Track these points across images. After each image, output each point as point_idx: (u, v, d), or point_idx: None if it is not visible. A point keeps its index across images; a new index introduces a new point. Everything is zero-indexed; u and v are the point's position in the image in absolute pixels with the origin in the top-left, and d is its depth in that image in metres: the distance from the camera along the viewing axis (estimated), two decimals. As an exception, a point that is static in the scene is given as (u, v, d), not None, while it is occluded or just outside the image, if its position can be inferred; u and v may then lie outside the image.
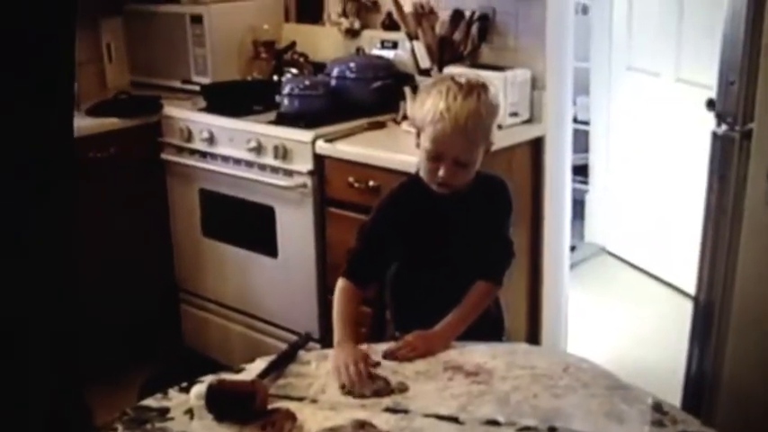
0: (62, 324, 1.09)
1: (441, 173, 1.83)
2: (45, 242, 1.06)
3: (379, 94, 3.06)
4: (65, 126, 1.10)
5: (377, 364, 1.71)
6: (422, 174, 1.90)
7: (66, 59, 1.08)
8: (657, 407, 1.55)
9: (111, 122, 3.20)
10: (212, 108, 3.20)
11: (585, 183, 4.55)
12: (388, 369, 1.69)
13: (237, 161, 3.04)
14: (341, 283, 1.93)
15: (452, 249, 1.93)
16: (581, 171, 4.45)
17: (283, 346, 2.97)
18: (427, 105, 1.83)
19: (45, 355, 1.08)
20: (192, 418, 1.54)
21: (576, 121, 4.07)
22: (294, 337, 3.02)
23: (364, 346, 1.78)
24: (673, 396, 2.27)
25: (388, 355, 1.74)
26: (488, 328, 1.97)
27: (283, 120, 2.99)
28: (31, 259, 1.05)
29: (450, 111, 1.79)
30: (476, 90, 1.82)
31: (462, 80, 1.85)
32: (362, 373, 1.65)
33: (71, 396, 1.14)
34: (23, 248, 1.04)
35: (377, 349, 1.77)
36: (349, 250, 1.98)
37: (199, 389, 1.62)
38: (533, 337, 3.04)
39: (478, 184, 1.93)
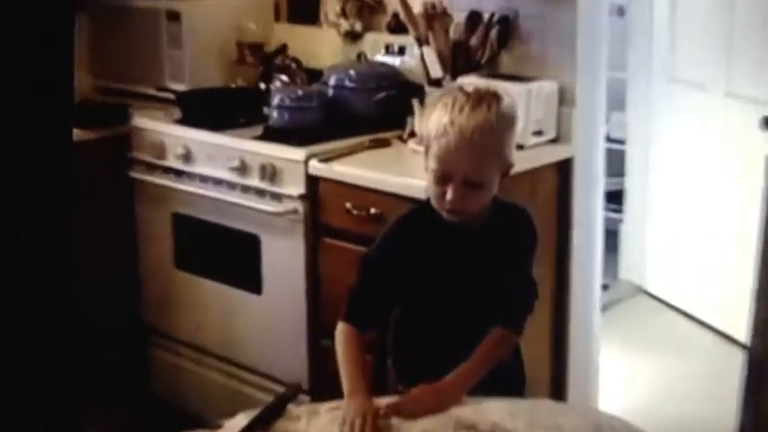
0: (62, 324, 1.18)
1: (448, 196, 1.85)
2: (45, 242, 1.16)
3: (382, 108, 3.09)
4: (64, 126, 1.18)
5: (386, 416, 1.71)
6: (431, 200, 1.92)
7: (65, 59, 1.14)
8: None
9: (71, 135, 3.22)
10: (189, 120, 3.23)
11: (620, 211, 4.56)
12: (389, 427, 1.69)
13: (218, 182, 3.06)
14: (341, 327, 1.94)
15: (466, 290, 1.94)
16: (615, 198, 4.47)
17: (269, 399, 2.98)
18: (432, 120, 1.87)
19: (45, 355, 1.16)
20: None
21: (609, 140, 4.08)
22: (281, 389, 3.04)
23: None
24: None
25: (390, 411, 1.75)
26: (506, 380, 1.97)
27: (271, 135, 3.01)
28: (31, 259, 1.14)
29: (454, 124, 1.82)
30: (485, 100, 1.85)
31: (471, 90, 1.88)
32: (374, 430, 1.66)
33: (71, 396, 1.22)
34: (24, 248, 1.12)
35: (377, 403, 1.78)
36: (349, 288, 1.99)
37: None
38: (558, 391, 3.04)
39: (497, 214, 1.95)
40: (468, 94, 1.86)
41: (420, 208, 2.00)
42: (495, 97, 1.86)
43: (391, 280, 1.95)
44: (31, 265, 1.14)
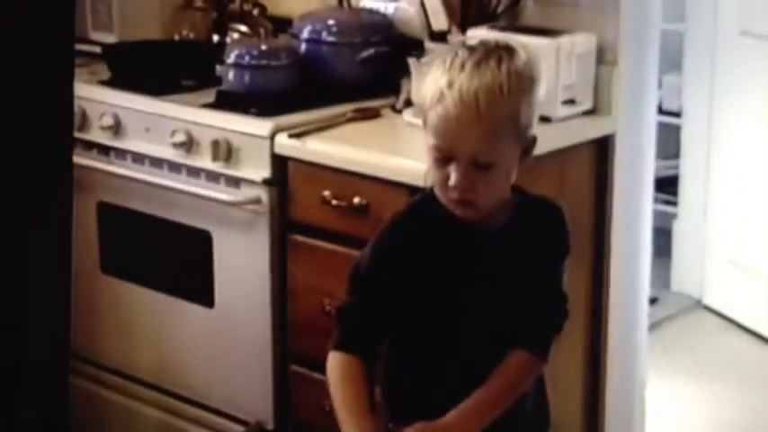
0: (61, 324, 1.31)
1: (452, 181, 1.84)
2: (45, 243, 1.27)
3: (370, 69, 3.10)
4: (65, 126, 1.29)
5: None
6: (435, 188, 1.92)
7: (65, 61, 1.25)
8: None
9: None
10: (119, 81, 3.25)
11: (674, 203, 4.58)
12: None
13: (157, 162, 3.08)
14: (335, 357, 1.94)
15: (479, 305, 1.96)
16: (668, 186, 4.49)
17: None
18: (427, 83, 1.87)
19: (44, 357, 1.28)
20: None
21: (661, 111, 4.10)
22: (239, 429, 3.07)
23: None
24: None
25: None
26: (525, 419, 2.01)
27: (227, 102, 3.03)
28: (31, 261, 1.25)
29: (453, 86, 1.81)
30: (494, 56, 1.84)
31: (476, 43, 1.89)
32: None
33: (67, 399, 1.36)
34: (24, 250, 1.23)
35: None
36: (339, 309, 2.00)
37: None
38: (592, 428, 3.07)
39: (522, 211, 1.97)
40: (471, 49, 1.86)
41: (422, 200, 1.99)
42: (506, 51, 1.86)
43: (392, 295, 1.94)
44: (31, 266, 1.25)
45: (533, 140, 1.93)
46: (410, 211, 2.02)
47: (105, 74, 3.31)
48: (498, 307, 1.96)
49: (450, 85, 1.81)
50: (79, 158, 3.21)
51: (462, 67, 1.82)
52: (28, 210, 1.27)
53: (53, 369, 1.30)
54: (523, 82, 1.85)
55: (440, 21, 2.94)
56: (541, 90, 1.94)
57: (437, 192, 1.90)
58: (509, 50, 1.87)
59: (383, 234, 2.00)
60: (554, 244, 2.00)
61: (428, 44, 2.95)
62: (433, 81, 1.84)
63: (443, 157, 1.85)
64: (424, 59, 2.84)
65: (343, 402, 1.89)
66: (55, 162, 1.32)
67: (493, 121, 1.82)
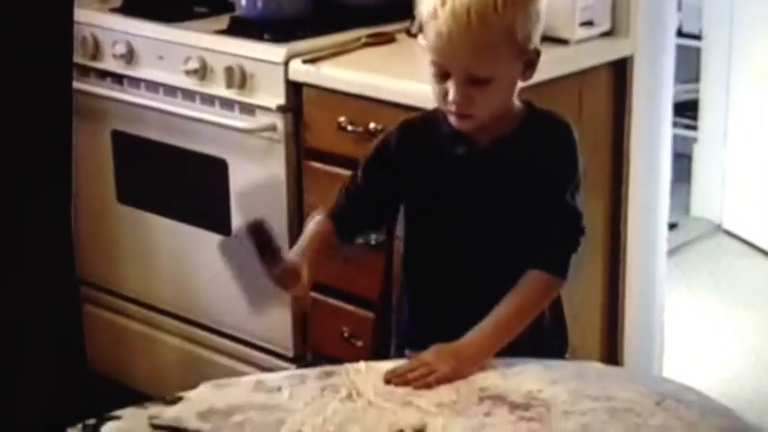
0: (62, 324, 1.29)
1: (450, 96, 1.87)
2: (45, 240, 1.24)
3: (384, -8, 3.09)
4: (64, 120, 1.26)
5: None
6: (436, 102, 1.96)
7: (64, 47, 1.22)
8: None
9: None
10: (132, 8, 3.24)
11: (695, 128, 4.57)
12: (396, 399, 1.73)
13: (171, 90, 3.08)
14: (319, 218, 2.03)
15: (488, 221, 1.97)
16: (688, 110, 4.47)
17: (242, 368, 3.02)
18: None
19: (45, 357, 1.26)
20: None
21: (681, 34, 4.07)
22: (254, 354, 3.08)
23: (361, 364, 1.83)
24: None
25: (395, 379, 1.78)
26: (542, 341, 2.01)
27: (240, 28, 3.02)
28: (31, 258, 1.22)
29: (446, 3, 1.83)
30: None
31: None
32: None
33: (71, 397, 1.33)
34: (23, 247, 1.21)
35: (379, 369, 1.81)
36: (341, 186, 2.08)
37: (113, 427, 1.66)
38: (611, 355, 3.08)
39: (528, 124, 1.97)
40: None
41: (431, 111, 2.03)
42: None
43: (387, 191, 2.03)
44: (30, 264, 1.23)
45: (536, 54, 1.93)
46: (418, 117, 2.08)
47: (117, 1, 3.29)
48: (507, 222, 1.96)
49: (444, 1, 1.83)
50: (92, 87, 3.23)
51: None
52: (25, 199, 1.25)
53: (54, 368, 1.28)
54: None
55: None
56: (548, 5, 1.94)
57: (438, 105, 1.94)
58: None
59: (390, 133, 2.06)
60: (561, 158, 1.98)
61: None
62: None
63: (441, 73, 1.89)
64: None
65: (302, 239, 2.00)
66: (54, 160, 1.30)
67: (486, 36, 1.84)
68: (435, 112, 1.99)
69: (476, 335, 1.86)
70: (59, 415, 1.31)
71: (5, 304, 1.20)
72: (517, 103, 1.98)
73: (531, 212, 1.95)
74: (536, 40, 1.92)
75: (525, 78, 1.94)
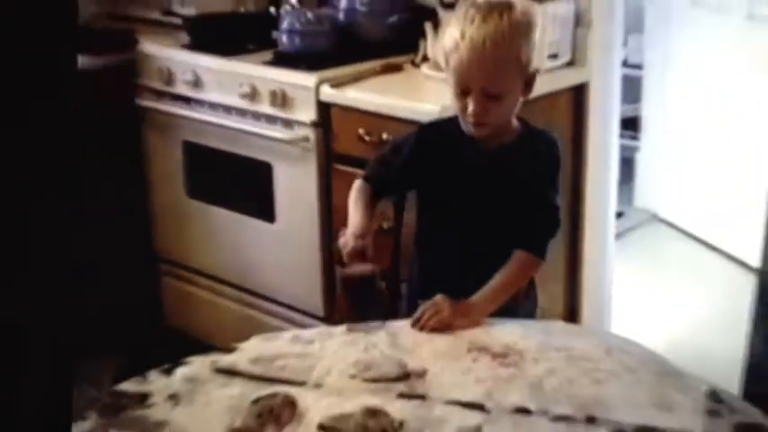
0: (62, 324, 1.16)
1: (469, 109, 1.89)
2: (46, 240, 1.13)
3: (395, 32, 3.07)
4: (67, 118, 1.16)
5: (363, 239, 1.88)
6: (458, 115, 1.96)
7: (64, 53, 1.14)
8: (713, 395, 1.57)
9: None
10: (198, 45, 3.22)
11: (636, 138, 4.55)
12: (402, 349, 1.72)
13: (228, 109, 3.06)
14: (358, 183, 2.06)
15: (485, 207, 1.97)
16: (631, 124, 4.46)
17: (281, 326, 3.01)
18: (447, 34, 1.91)
19: (45, 357, 1.15)
20: (175, 404, 1.56)
21: (626, 64, 4.06)
22: (295, 314, 3.08)
23: (376, 323, 1.81)
24: (731, 384, 2.31)
25: (413, 324, 1.79)
26: (518, 304, 1.99)
27: (282, 60, 3.00)
28: (31, 258, 1.12)
29: (465, 36, 1.84)
30: (497, 9, 1.86)
31: (481, 2, 1.89)
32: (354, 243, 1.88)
33: (70, 399, 1.21)
34: (24, 246, 1.11)
35: (390, 327, 1.80)
36: (374, 156, 2.13)
37: (185, 371, 1.65)
38: (571, 315, 3.08)
39: (524, 138, 1.98)
40: (478, 6, 1.88)
41: (447, 119, 2.03)
42: (507, 6, 1.87)
43: (411, 170, 2.03)
44: (31, 263, 1.11)
45: (533, 76, 1.94)
46: (437, 122, 2.10)
47: (186, 40, 3.28)
48: (501, 209, 1.96)
49: (463, 36, 1.84)
50: (167, 107, 3.23)
51: (473, 21, 1.85)
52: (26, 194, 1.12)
53: (53, 368, 1.14)
54: (522, 27, 1.87)
55: (449, -7, 2.91)
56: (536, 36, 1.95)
57: (459, 116, 1.94)
58: (509, 4, 1.88)
59: (413, 132, 2.08)
60: (547, 163, 1.99)
61: (440, 12, 2.93)
62: (451, 33, 1.89)
63: (462, 91, 1.89)
64: (438, 23, 2.81)
65: (353, 205, 2.01)
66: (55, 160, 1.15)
67: (498, 60, 1.85)
68: (450, 121, 1.99)
69: (479, 298, 1.87)
70: (60, 415, 1.19)
71: (5, 304, 1.07)
72: (515, 120, 1.98)
73: (520, 205, 1.95)
74: (534, 64, 1.93)
75: (525, 95, 1.95)
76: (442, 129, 2.01)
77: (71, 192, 1.16)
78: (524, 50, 1.88)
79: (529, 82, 1.93)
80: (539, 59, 2.71)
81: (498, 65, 1.85)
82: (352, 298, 1.91)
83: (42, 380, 1.10)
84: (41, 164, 1.11)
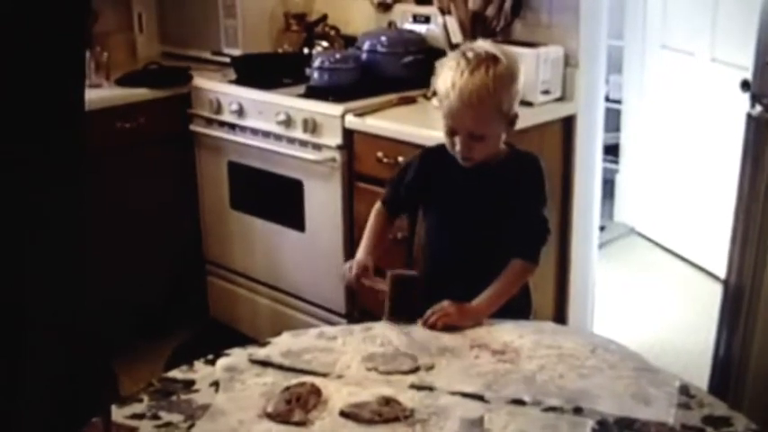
0: (70, 314, 1.09)
1: (457, 147, 1.88)
2: (54, 233, 1.06)
3: (409, 69, 3.05)
4: (78, 109, 1.10)
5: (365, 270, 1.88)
6: (447, 148, 1.94)
7: (74, 65, 1.08)
8: (684, 390, 1.54)
9: (140, 93, 3.21)
10: (242, 80, 3.20)
11: (616, 162, 4.51)
12: (414, 346, 1.69)
13: (266, 134, 3.04)
14: (376, 206, 2.06)
15: (480, 220, 1.94)
16: (612, 150, 4.42)
17: (310, 322, 2.99)
18: (440, 80, 1.89)
19: (51, 345, 1.07)
20: (217, 390, 1.55)
21: (608, 99, 4.02)
22: (321, 312, 3.05)
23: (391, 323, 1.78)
24: (700, 380, 2.26)
25: (424, 323, 1.76)
26: (514, 307, 1.96)
27: (313, 93, 2.98)
28: (39, 249, 1.05)
29: (455, 87, 1.83)
30: (483, 64, 1.83)
31: (471, 55, 1.86)
32: (356, 276, 1.88)
33: (87, 386, 1.13)
34: (32, 239, 1.04)
35: (403, 326, 1.77)
36: (388, 180, 2.13)
37: (225, 361, 1.63)
38: (560, 317, 3.03)
39: (510, 159, 1.95)
40: (468, 59, 1.85)
41: (443, 145, 2.00)
42: (493, 60, 1.84)
43: (416, 187, 2.02)
44: (40, 255, 1.05)
45: (515, 116, 1.92)
46: (436, 147, 2.06)
47: (233, 76, 3.27)
48: (494, 222, 1.93)
49: (454, 86, 1.84)
50: (215, 132, 3.22)
51: (462, 73, 1.83)
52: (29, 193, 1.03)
53: (59, 354, 1.02)
54: (505, 81, 1.85)
55: (456, 37, 2.90)
56: (523, 83, 1.92)
57: (449, 149, 1.93)
58: (495, 59, 1.85)
59: (418, 155, 2.08)
60: (531, 179, 1.96)
61: (449, 52, 2.87)
62: (443, 81, 1.87)
63: (451, 131, 1.89)
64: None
65: (366, 233, 2.03)
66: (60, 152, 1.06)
67: (482, 110, 1.84)
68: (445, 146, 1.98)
69: (481, 301, 1.84)
70: (61, 413, 1.10)
71: (14, 294, 0.99)
72: (503, 145, 1.96)
73: (509, 219, 1.92)
74: (515, 108, 1.91)
75: (509, 132, 1.93)
76: (442, 152, 1.97)
77: (79, 190, 1.09)
78: (506, 100, 1.86)
79: (512, 121, 1.91)
80: (533, 95, 2.72)
81: (482, 114, 1.84)
82: (397, 297, 1.86)
83: (47, 370, 1.03)
84: (52, 164, 1.02)
